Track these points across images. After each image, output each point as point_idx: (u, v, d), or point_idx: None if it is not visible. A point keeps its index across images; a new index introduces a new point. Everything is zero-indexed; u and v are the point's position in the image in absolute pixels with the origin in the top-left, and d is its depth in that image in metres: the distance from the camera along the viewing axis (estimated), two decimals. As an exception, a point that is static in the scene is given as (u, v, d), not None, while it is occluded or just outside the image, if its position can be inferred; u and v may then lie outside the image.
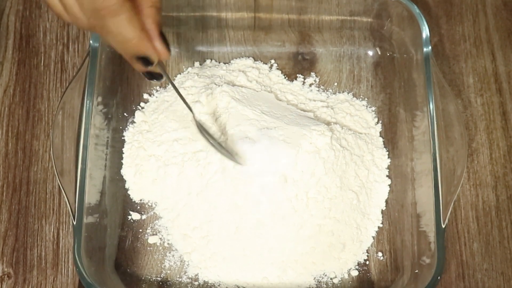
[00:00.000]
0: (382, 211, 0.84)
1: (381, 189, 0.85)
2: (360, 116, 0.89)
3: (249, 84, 0.88)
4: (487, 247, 0.84)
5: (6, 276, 0.80)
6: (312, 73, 0.92)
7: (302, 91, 0.91)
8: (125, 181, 0.85)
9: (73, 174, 0.75)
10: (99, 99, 0.80)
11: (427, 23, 0.82)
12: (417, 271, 0.77)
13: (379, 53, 0.93)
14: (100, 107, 0.81)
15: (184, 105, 0.75)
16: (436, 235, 0.74)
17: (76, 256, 0.72)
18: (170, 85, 0.90)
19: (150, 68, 0.65)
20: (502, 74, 0.93)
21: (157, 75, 0.69)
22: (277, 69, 0.92)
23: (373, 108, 0.90)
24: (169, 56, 0.65)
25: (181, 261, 0.81)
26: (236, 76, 0.89)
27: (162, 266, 0.81)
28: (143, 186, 0.84)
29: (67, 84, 0.89)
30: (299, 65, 0.93)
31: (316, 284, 0.80)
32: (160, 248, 0.82)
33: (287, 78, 0.92)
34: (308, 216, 0.79)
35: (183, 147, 0.82)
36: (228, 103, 0.82)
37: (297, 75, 0.92)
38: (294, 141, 0.77)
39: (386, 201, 0.85)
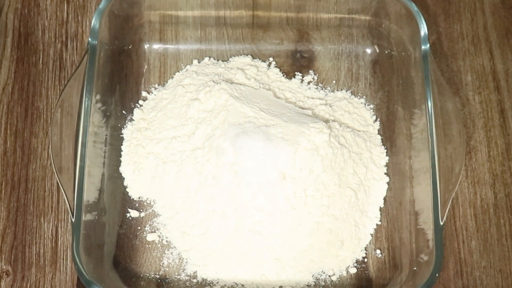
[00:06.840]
0: (380, 209, 0.84)
1: (379, 186, 0.85)
2: (358, 114, 0.89)
3: (248, 82, 0.88)
4: (485, 244, 0.84)
5: (4, 273, 0.80)
6: (311, 71, 0.92)
7: (301, 89, 0.91)
8: (124, 178, 0.85)
9: (72, 172, 0.75)
10: (98, 97, 0.80)
11: (425, 21, 0.82)
12: (415, 268, 0.78)
13: (377, 51, 0.93)
14: (99, 105, 0.81)
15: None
16: (434, 233, 0.74)
17: (75, 254, 0.72)
18: (168, 83, 0.90)
19: None
20: (500, 72, 0.93)
21: None
22: (276, 67, 0.92)
23: (371, 106, 0.90)
24: None
25: (179, 258, 0.81)
26: (235, 74, 0.89)
27: (161, 264, 0.81)
28: (142, 184, 0.84)
29: (65, 82, 0.89)
30: (297, 63, 0.93)
31: (315, 282, 0.80)
32: (159, 245, 0.82)
33: (285, 76, 0.92)
34: (306, 213, 0.79)
35: (181, 144, 0.82)
36: (226, 100, 0.82)
37: (296, 73, 0.92)
38: (292, 139, 0.78)
39: (384, 199, 0.85)
